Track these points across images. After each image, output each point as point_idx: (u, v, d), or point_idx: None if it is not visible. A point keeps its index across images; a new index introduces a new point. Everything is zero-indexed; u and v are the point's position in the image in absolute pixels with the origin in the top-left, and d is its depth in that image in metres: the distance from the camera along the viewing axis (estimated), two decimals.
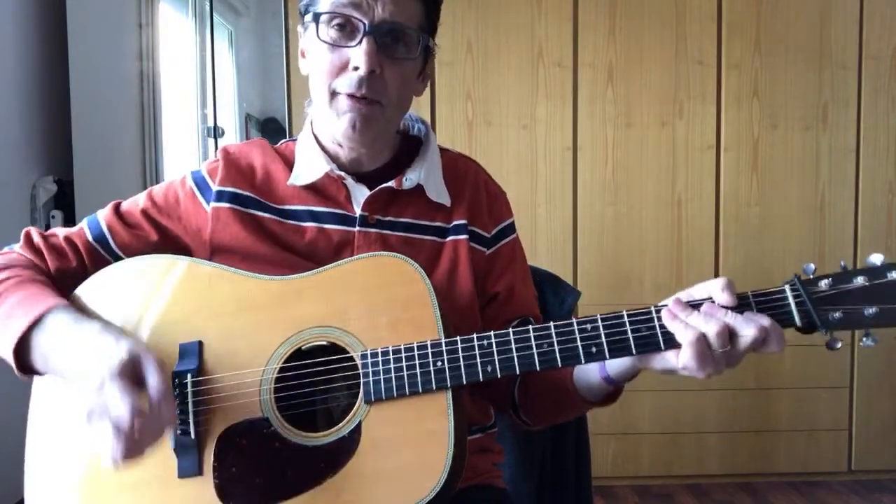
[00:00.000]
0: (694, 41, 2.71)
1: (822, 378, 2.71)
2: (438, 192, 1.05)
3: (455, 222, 1.06)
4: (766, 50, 2.71)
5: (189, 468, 0.90)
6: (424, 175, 1.04)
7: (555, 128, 2.72)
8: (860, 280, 0.85)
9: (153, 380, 0.82)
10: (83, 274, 1.00)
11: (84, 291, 1.00)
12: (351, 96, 0.96)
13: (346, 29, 0.96)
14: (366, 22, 0.94)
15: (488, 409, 1.11)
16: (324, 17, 0.96)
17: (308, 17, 0.99)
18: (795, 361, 2.74)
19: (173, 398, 0.85)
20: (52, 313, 0.90)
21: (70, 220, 2.57)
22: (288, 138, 1.13)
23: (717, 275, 2.74)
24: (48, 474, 0.96)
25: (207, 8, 2.73)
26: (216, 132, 2.76)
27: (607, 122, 2.72)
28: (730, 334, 0.81)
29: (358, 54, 0.94)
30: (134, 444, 0.78)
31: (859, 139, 2.74)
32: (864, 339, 0.84)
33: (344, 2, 0.95)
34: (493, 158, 2.66)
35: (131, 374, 0.82)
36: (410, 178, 1.03)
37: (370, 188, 1.03)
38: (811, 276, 0.86)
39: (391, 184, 1.02)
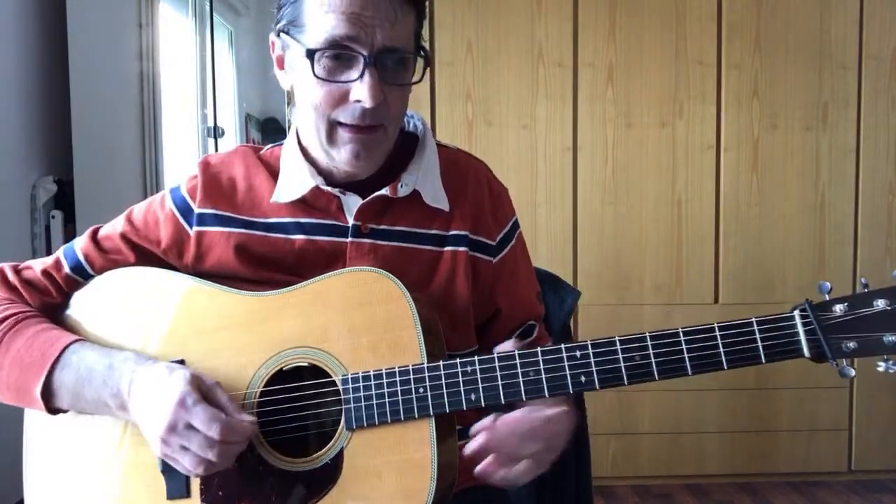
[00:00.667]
0: (694, 41, 2.70)
1: (822, 378, 2.71)
2: (435, 197, 1.01)
3: (454, 231, 1.01)
4: (766, 50, 2.71)
5: (177, 490, 0.90)
6: (420, 179, 1.00)
7: (555, 128, 2.72)
8: (881, 303, 0.75)
9: (223, 397, 0.86)
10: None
11: (69, 308, 1.00)
12: (353, 127, 0.91)
13: (343, 58, 0.89)
14: (365, 54, 0.88)
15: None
16: (318, 52, 0.89)
17: (292, 42, 0.93)
18: (795, 361, 2.73)
19: (243, 407, 0.88)
20: (71, 350, 0.91)
21: (70, 221, 2.57)
22: (274, 143, 1.07)
23: (717, 275, 2.75)
24: (44, 494, 0.97)
25: (207, 8, 2.73)
26: (216, 132, 2.76)
27: (607, 122, 2.72)
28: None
29: (361, 89, 0.88)
30: (223, 452, 0.83)
31: (859, 139, 2.74)
32: (882, 363, 0.76)
33: (340, 35, 0.88)
34: (493, 158, 2.65)
35: (199, 390, 0.85)
36: (406, 184, 0.98)
37: (363, 196, 0.98)
38: (826, 298, 0.78)
39: (385, 191, 0.97)
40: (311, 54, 0.89)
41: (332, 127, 0.93)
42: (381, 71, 0.90)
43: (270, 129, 2.80)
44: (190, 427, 0.83)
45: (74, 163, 2.57)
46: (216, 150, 2.75)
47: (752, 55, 2.71)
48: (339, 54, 0.89)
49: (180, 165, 2.82)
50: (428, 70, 0.98)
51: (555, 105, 2.71)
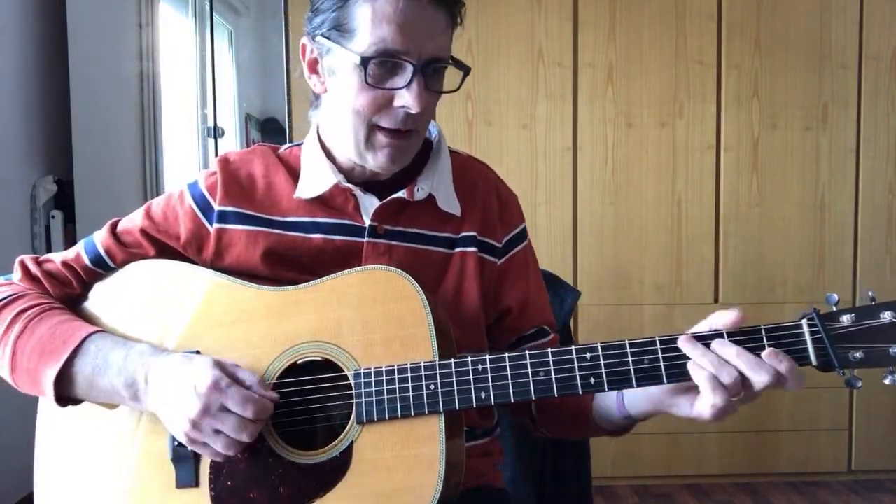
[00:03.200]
0: (694, 41, 2.70)
1: (822, 378, 2.70)
2: (449, 202, 1.03)
3: (464, 233, 1.03)
4: (766, 50, 2.71)
5: (186, 479, 0.91)
6: (435, 184, 1.02)
7: (555, 128, 2.72)
8: (888, 315, 0.77)
9: (246, 375, 0.88)
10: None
11: (88, 299, 1.01)
12: (392, 131, 0.94)
13: (388, 66, 0.91)
14: (415, 62, 0.90)
15: (492, 412, 1.10)
16: (372, 61, 0.90)
17: (335, 47, 0.93)
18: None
19: (267, 385, 0.90)
20: (90, 339, 0.92)
21: (70, 221, 2.57)
22: (292, 143, 1.09)
23: (717, 275, 2.75)
24: (56, 481, 0.98)
25: (207, 8, 2.73)
26: (216, 132, 2.76)
27: (607, 122, 2.72)
28: (742, 381, 0.79)
29: (408, 96, 0.91)
30: (254, 432, 0.86)
31: (859, 139, 2.74)
32: (889, 376, 0.77)
33: (395, 44, 0.90)
34: (493, 158, 2.64)
35: (226, 373, 0.87)
36: (422, 188, 1.00)
37: (380, 197, 1.00)
38: (833, 308, 0.79)
39: (402, 194, 1.00)
40: (365, 62, 0.90)
41: (372, 130, 0.95)
42: (426, 80, 0.92)
43: (270, 129, 2.80)
44: (223, 409, 0.84)
45: (74, 163, 2.57)
46: (216, 150, 2.75)
47: (752, 55, 2.71)
48: (387, 62, 0.91)
49: (180, 165, 2.82)
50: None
51: (555, 105, 2.71)
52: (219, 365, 0.87)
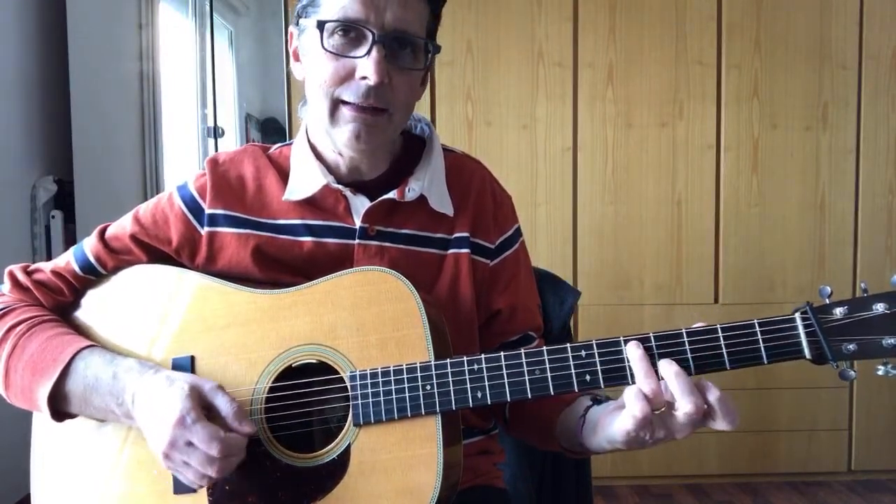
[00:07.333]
0: (694, 41, 2.70)
1: (822, 378, 2.71)
2: (441, 202, 1.02)
3: (457, 234, 1.02)
4: (766, 50, 2.71)
5: (184, 485, 0.90)
6: (427, 184, 1.00)
7: (555, 128, 2.72)
8: (880, 307, 0.76)
9: (223, 404, 0.85)
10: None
11: (80, 305, 1.00)
12: (356, 106, 0.92)
13: (351, 35, 0.91)
14: (374, 31, 0.90)
15: (490, 413, 1.10)
16: (329, 25, 0.91)
17: (307, 22, 0.95)
18: (795, 362, 2.73)
19: (247, 414, 0.87)
20: (79, 357, 0.91)
21: (70, 221, 2.57)
22: (283, 143, 1.07)
23: (717, 275, 2.75)
24: (52, 487, 0.98)
25: (207, 8, 2.73)
26: (216, 132, 2.76)
27: (607, 122, 2.72)
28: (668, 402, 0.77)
29: (367, 65, 0.90)
30: (223, 467, 0.83)
31: (859, 139, 2.74)
32: (881, 367, 0.78)
33: (353, 11, 0.90)
34: (493, 158, 2.66)
35: (199, 402, 0.85)
36: (413, 189, 0.99)
37: (371, 198, 0.99)
38: (826, 301, 0.79)
39: (393, 195, 0.98)
40: (321, 25, 0.91)
41: (336, 105, 0.93)
42: (388, 51, 0.91)
43: (270, 129, 2.80)
44: (190, 444, 0.83)
45: (74, 163, 2.57)
46: (216, 150, 2.75)
47: (752, 55, 2.71)
48: (348, 31, 0.91)
49: (180, 165, 2.82)
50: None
51: (555, 105, 2.71)
52: (194, 392, 0.84)
